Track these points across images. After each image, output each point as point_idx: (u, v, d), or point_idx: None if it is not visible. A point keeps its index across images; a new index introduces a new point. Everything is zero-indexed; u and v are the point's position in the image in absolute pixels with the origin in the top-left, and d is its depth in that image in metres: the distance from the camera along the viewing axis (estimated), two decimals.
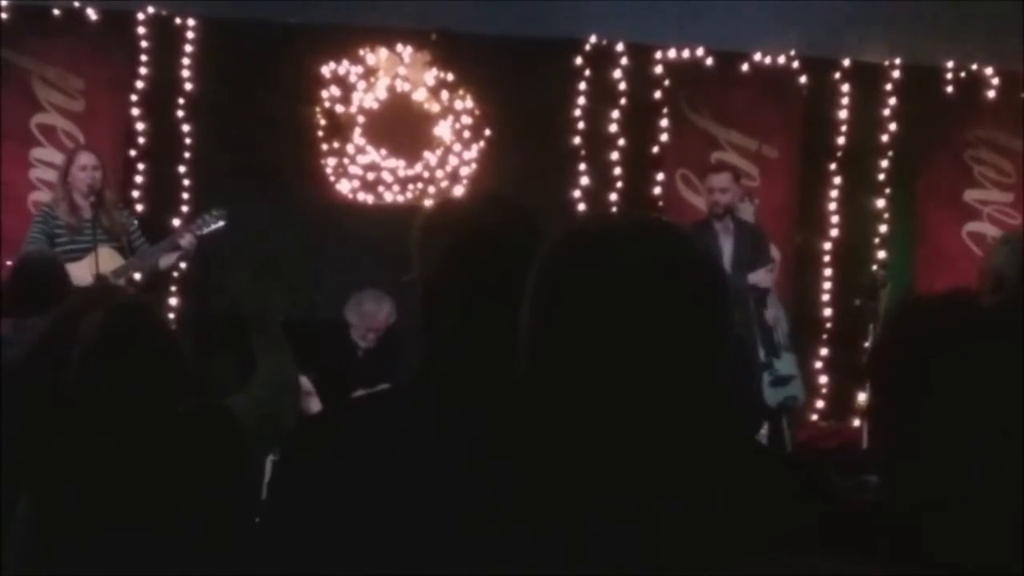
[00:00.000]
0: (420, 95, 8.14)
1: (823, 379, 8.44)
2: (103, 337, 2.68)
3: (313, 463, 1.61)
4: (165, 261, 6.84)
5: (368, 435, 1.61)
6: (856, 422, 7.98)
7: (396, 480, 1.54)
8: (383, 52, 8.13)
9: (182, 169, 7.99)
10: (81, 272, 6.47)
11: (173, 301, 7.83)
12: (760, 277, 6.87)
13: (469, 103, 8.16)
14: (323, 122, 8.07)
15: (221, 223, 6.80)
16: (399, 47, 8.13)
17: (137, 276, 6.87)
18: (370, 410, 1.73)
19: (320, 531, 1.55)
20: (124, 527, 2.58)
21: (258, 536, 1.69)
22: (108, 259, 6.57)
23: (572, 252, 1.39)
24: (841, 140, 8.54)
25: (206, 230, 6.80)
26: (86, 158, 6.82)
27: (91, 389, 2.66)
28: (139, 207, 7.78)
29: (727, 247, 7.02)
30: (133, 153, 7.95)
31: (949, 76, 8.59)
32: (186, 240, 6.79)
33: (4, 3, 7.77)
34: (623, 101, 8.32)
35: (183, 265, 7.41)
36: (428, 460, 1.54)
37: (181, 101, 7.99)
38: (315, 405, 5.74)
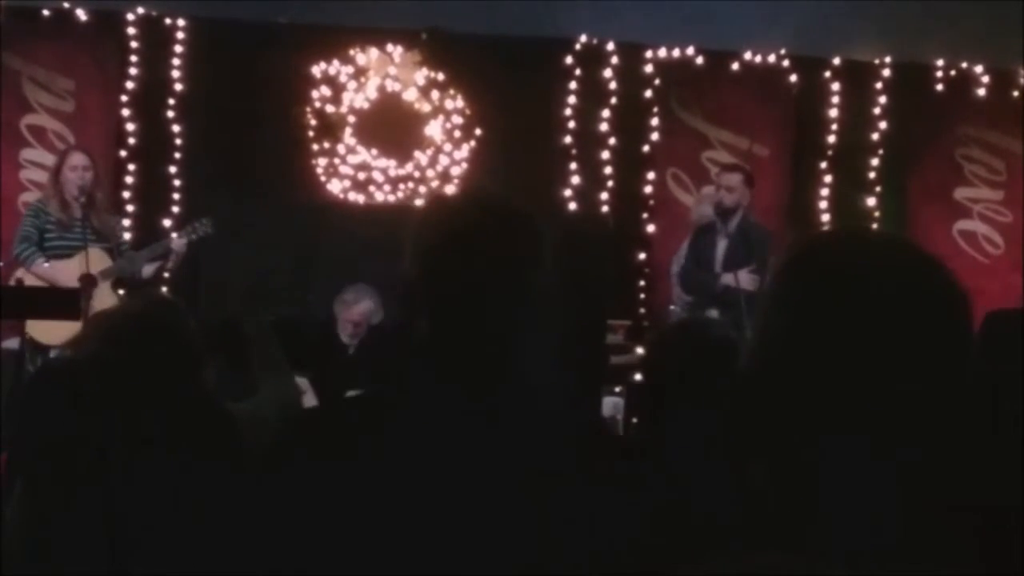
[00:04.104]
0: (410, 95, 8.14)
1: None
2: (139, 323, 2.76)
3: (299, 466, 1.64)
4: (148, 269, 6.82)
5: (345, 441, 1.64)
6: None
7: (373, 484, 1.58)
8: (373, 52, 8.13)
9: (172, 169, 7.98)
10: (70, 271, 6.46)
11: None
12: (739, 278, 6.48)
13: (460, 103, 8.16)
14: (314, 122, 8.06)
15: (209, 231, 6.82)
16: (389, 47, 8.13)
17: (122, 279, 6.85)
18: (346, 415, 1.75)
19: (303, 532, 1.57)
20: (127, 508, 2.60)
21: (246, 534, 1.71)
22: (97, 260, 6.56)
23: (831, 262, 1.37)
24: (832, 138, 8.55)
25: (195, 237, 6.80)
26: (77, 159, 6.80)
27: (119, 374, 2.71)
28: (130, 207, 7.78)
29: (720, 246, 6.96)
30: (123, 154, 7.94)
31: (939, 74, 8.60)
32: (176, 246, 6.79)
33: None
34: (613, 100, 8.32)
35: (168, 271, 7.38)
36: (399, 465, 1.59)
37: (171, 101, 7.99)
38: (311, 404, 5.73)
